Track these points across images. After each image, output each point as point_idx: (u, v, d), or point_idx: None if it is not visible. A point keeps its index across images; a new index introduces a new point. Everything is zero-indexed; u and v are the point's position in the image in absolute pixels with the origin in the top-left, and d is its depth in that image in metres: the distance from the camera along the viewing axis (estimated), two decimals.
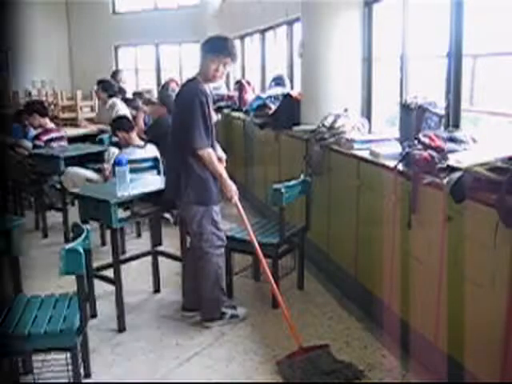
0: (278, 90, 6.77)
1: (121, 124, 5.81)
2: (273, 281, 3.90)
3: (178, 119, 3.89)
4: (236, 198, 3.94)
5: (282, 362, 3.47)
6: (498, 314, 2.65)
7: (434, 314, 3.19)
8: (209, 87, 3.96)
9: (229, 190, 3.90)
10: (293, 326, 3.67)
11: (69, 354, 2.94)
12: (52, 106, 12.39)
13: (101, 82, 8.00)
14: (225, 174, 3.90)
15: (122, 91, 8.71)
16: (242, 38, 10.60)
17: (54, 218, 6.37)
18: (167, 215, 6.11)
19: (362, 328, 3.95)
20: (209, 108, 3.81)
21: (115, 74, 10.14)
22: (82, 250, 2.73)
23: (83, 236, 2.91)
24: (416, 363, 3.43)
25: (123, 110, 7.71)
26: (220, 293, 3.99)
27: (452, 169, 3.08)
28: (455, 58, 4.03)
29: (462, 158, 3.18)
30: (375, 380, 3.32)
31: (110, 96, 7.93)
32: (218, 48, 3.88)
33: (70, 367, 2.98)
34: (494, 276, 2.66)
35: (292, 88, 7.15)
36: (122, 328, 3.99)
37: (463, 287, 2.91)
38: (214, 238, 3.89)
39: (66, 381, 3.02)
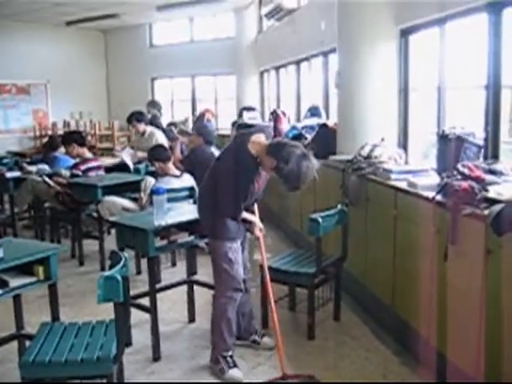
0: (314, 120, 6.80)
1: (158, 154, 5.87)
2: (273, 303, 3.87)
3: (223, 171, 3.72)
4: (259, 233, 3.91)
5: None
6: None
7: (473, 348, 3.11)
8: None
9: (253, 225, 3.88)
10: (280, 350, 3.70)
11: (105, 382, 2.94)
12: (89, 136, 12.64)
13: (132, 115, 8.12)
14: (247, 215, 3.83)
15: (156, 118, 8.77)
16: (276, 68, 10.71)
17: (89, 246, 6.43)
18: (202, 244, 6.11)
19: (399, 362, 3.88)
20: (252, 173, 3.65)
21: (153, 104, 10.24)
22: (120, 278, 2.75)
23: (121, 263, 2.93)
24: None
25: (161, 138, 7.81)
26: (219, 339, 3.83)
27: (493, 201, 3.03)
28: (493, 89, 4.01)
29: (503, 190, 3.13)
30: None
31: (146, 124, 8.05)
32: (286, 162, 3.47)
33: None
34: None
35: (328, 118, 7.16)
36: (156, 357, 3.98)
37: (502, 321, 2.84)
38: (225, 276, 3.78)
39: None
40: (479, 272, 3.02)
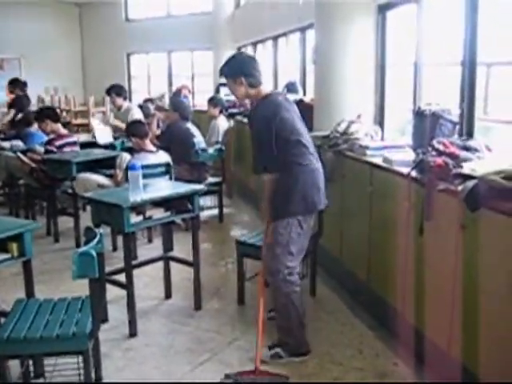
0: (291, 96, 6.76)
1: (135, 129, 5.82)
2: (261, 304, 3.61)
3: None
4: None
5: (230, 375, 3.40)
6: (509, 324, 2.62)
7: (447, 322, 3.16)
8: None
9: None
10: (260, 345, 3.48)
11: (80, 358, 2.94)
12: (64, 112, 12.48)
13: (112, 88, 8.02)
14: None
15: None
16: (254, 44, 10.63)
17: (65, 223, 6.38)
18: (178, 221, 6.11)
19: (375, 336, 3.93)
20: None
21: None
22: (95, 254, 2.73)
23: (96, 240, 2.91)
24: (429, 372, 3.40)
25: (138, 114, 7.73)
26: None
27: (466, 177, 3.06)
28: (469, 66, 4.02)
29: (477, 167, 3.16)
30: None
31: (125, 99, 7.97)
32: None
33: (81, 371, 2.97)
34: (510, 285, 2.63)
35: (304, 94, 7.15)
36: (133, 333, 3.98)
37: (477, 295, 2.88)
38: None
39: None
40: (453, 247, 3.05)
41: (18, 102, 8.76)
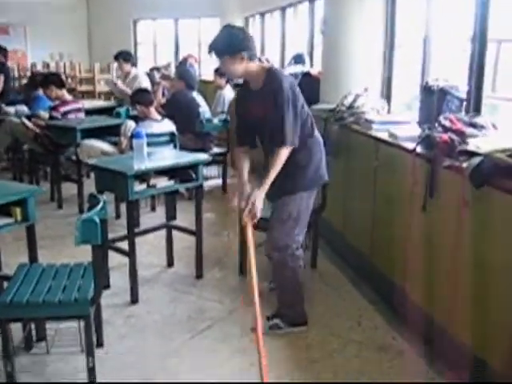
0: (298, 68, 6.71)
1: (141, 97, 5.80)
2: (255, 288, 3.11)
3: None
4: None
5: None
6: (508, 301, 2.63)
7: (447, 299, 3.18)
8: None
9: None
10: (264, 364, 2.94)
11: (82, 323, 2.97)
12: (70, 79, 12.42)
13: (120, 54, 7.96)
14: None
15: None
16: (262, 14, 10.51)
17: (68, 189, 6.39)
18: (182, 190, 6.12)
19: (374, 310, 3.95)
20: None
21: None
22: (98, 220, 2.74)
23: (99, 206, 2.91)
24: (427, 347, 3.43)
25: (145, 81, 7.69)
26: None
27: (472, 154, 3.04)
28: (479, 42, 3.96)
29: (483, 144, 3.14)
30: (384, 362, 3.32)
31: (132, 66, 7.92)
32: None
33: (82, 336, 3.01)
34: (510, 264, 2.64)
35: (312, 66, 7.09)
36: (134, 300, 4.02)
37: (479, 272, 2.89)
38: None
39: (79, 349, 3.05)
40: (456, 223, 3.05)
41: (4, 69, 8.75)
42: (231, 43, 3.32)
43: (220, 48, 3.34)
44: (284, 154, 3.34)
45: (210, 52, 3.39)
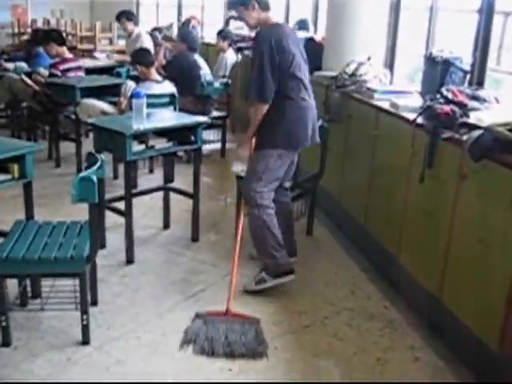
0: (301, 34, 6.64)
1: (142, 57, 5.73)
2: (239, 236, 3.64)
3: None
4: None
5: (200, 314, 3.36)
6: (504, 277, 2.65)
7: (440, 270, 3.20)
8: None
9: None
10: (233, 283, 3.45)
11: (77, 281, 2.98)
12: (70, 37, 12.26)
13: (123, 13, 7.86)
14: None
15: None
16: None
17: (67, 148, 6.37)
18: (180, 153, 6.10)
19: (368, 278, 3.98)
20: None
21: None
22: (95, 179, 2.73)
23: (97, 165, 2.91)
24: (418, 316, 3.47)
25: (147, 42, 7.60)
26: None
27: (472, 127, 3.03)
28: (486, 14, 3.92)
29: (484, 117, 3.13)
30: (375, 330, 3.36)
31: (135, 25, 7.82)
32: None
33: (77, 294, 3.03)
34: (505, 238, 2.65)
35: (315, 33, 7.00)
36: (130, 260, 4.04)
37: (472, 246, 2.90)
38: None
39: (73, 307, 3.07)
40: (453, 196, 3.06)
41: None
42: None
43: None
44: (257, 109, 3.52)
45: (229, 8, 3.81)
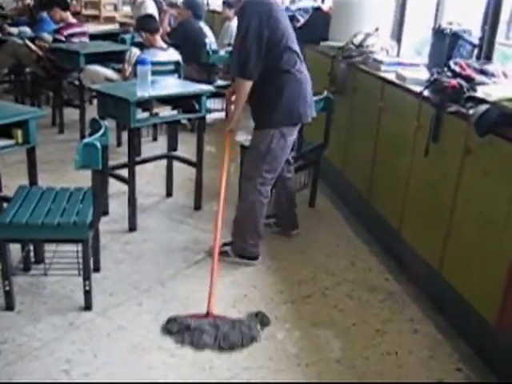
0: (309, 3, 6.56)
1: (146, 24, 5.68)
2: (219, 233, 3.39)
3: None
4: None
5: (177, 318, 3.03)
6: (506, 253, 2.65)
7: (441, 244, 3.20)
8: None
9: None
10: (212, 292, 3.10)
11: (80, 247, 3.00)
12: (74, 1, 12.14)
13: None
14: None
15: None
16: None
17: (70, 115, 6.35)
18: (184, 121, 6.07)
19: (369, 251, 4.00)
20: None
21: None
22: (99, 145, 2.73)
23: (101, 131, 2.90)
24: (418, 289, 3.49)
25: (152, 8, 7.52)
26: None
27: (479, 101, 3.00)
28: None
29: (491, 92, 3.09)
30: (375, 302, 3.38)
31: None
32: None
33: (80, 260, 3.05)
34: (509, 214, 2.65)
35: (323, 2, 6.92)
36: (132, 227, 4.05)
37: (475, 221, 2.90)
38: None
39: (76, 273, 3.09)
40: (457, 170, 3.05)
41: None
42: None
43: None
44: (241, 86, 3.40)
45: None
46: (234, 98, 3.58)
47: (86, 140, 2.76)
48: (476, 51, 3.82)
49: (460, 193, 3.04)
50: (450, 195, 3.13)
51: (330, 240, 4.13)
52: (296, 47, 3.49)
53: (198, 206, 4.46)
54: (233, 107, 3.58)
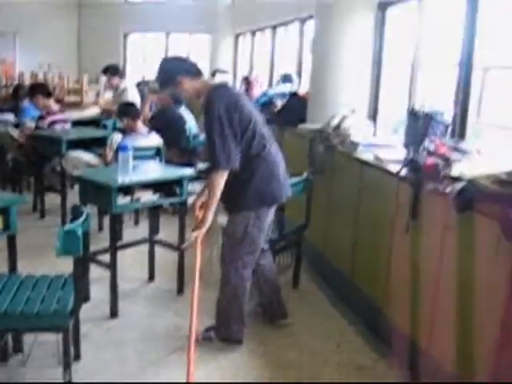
0: (286, 88, 6.76)
1: (127, 110, 5.80)
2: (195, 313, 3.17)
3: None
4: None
5: None
6: (490, 326, 2.64)
7: (428, 321, 3.19)
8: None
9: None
10: (190, 370, 2.91)
11: (60, 335, 2.93)
12: (57, 89, 12.36)
13: (108, 68, 7.95)
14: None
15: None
16: (252, 32, 10.59)
17: (52, 200, 6.35)
18: (166, 204, 6.08)
19: (354, 331, 3.95)
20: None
21: None
22: (80, 232, 2.72)
23: (82, 218, 2.90)
24: (407, 369, 3.43)
25: (133, 95, 7.67)
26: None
27: (456, 178, 3.07)
28: (466, 69, 4.03)
29: (467, 169, 3.17)
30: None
31: (121, 78, 7.89)
32: None
33: (60, 348, 2.97)
34: (491, 288, 2.65)
35: (300, 86, 7.14)
36: (114, 313, 3.98)
37: (461, 295, 2.90)
38: None
39: (56, 361, 3.01)
40: (438, 247, 3.07)
41: None
42: (165, 74, 3.51)
43: (161, 82, 3.58)
44: (217, 178, 3.32)
45: (161, 90, 3.89)
46: (200, 201, 3.53)
47: (67, 227, 2.76)
48: (450, 129, 3.94)
49: (443, 269, 3.05)
50: (432, 272, 3.14)
51: (315, 321, 4.08)
52: (264, 130, 3.50)
53: (180, 290, 4.41)
54: (201, 213, 3.45)
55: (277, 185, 3.52)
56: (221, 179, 3.33)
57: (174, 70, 3.46)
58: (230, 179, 3.37)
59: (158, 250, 4.65)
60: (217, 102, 3.31)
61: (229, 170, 3.33)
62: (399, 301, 3.55)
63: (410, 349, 3.37)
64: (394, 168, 3.61)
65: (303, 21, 7.63)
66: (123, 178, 3.92)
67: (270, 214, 3.58)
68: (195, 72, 3.49)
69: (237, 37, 11.87)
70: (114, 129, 6.67)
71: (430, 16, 4.59)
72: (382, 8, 5.20)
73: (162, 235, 4.88)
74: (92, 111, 8.14)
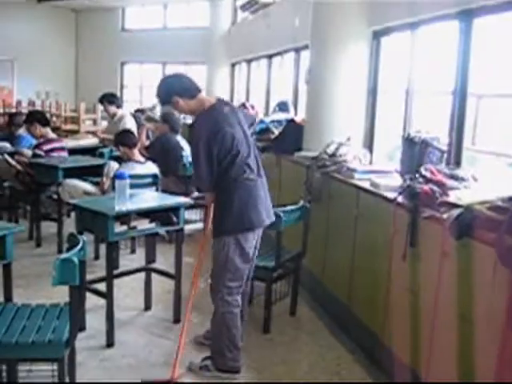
0: (282, 115, 6.80)
1: (124, 139, 5.81)
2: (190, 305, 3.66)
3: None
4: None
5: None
6: (489, 353, 2.62)
7: (427, 350, 3.16)
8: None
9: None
10: (176, 358, 3.40)
11: (55, 366, 2.90)
12: (55, 118, 12.43)
13: (105, 96, 7.99)
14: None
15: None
16: (248, 61, 10.70)
17: (48, 228, 6.33)
18: (162, 232, 6.07)
19: (353, 360, 3.91)
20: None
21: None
22: (77, 261, 2.71)
23: (79, 247, 2.89)
24: None
25: (130, 123, 7.70)
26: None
27: (452, 205, 3.08)
28: (460, 96, 4.07)
29: (463, 196, 3.18)
30: None
31: (118, 107, 7.93)
32: None
33: (55, 379, 2.93)
34: (489, 315, 2.64)
35: (296, 114, 7.19)
36: (110, 343, 3.94)
37: (456, 324, 2.89)
38: None
39: None
40: (436, 273, 3.06)
41: None
42: (163, 92, 3.63)
43: (161, 100, 3.69)
44: (205, 195, 3.72)
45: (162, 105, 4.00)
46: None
47: (64, 256, 2.75)
48: (445, 156, 3.96)
49: (440, 296, 3.04)
50: (430, 298, 3.12)
51: (313, 349, 4.05)
52: (246, 154, 3.51)
53: (177, 319, 4.37)
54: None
55: (254, 210, 3.53)
56: (206, 196, 3.73)
57: (169, 91, 3.58)
58: (215, 203, 3.56)
59: (154, 277, 4.63)
60: (198, 129, 3.51)
61: (203, 188, 3.65)
62: (398, 328, 3.52)
63: (410, 377, 3.34)
64: (390, 195, 3.62)
65: (298, 50, 7.71)
66: (120, 207, 3.92)
67: (251, 240, 3.57)
68: (191, 91, 3.58)
69: (233, 66, 11.99)
70: (111, 157, 6.69)
71: (424, 44, 4.64)
72: (377, 37, 5.26)
73: (158, 263, 4.86)
74: (90, 141, 8.15)
